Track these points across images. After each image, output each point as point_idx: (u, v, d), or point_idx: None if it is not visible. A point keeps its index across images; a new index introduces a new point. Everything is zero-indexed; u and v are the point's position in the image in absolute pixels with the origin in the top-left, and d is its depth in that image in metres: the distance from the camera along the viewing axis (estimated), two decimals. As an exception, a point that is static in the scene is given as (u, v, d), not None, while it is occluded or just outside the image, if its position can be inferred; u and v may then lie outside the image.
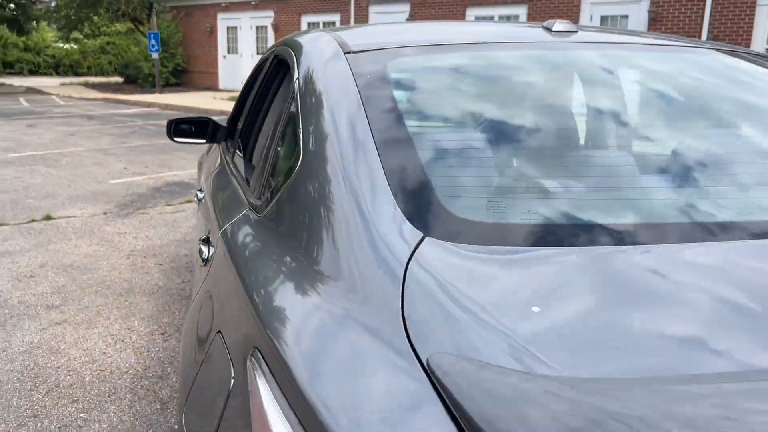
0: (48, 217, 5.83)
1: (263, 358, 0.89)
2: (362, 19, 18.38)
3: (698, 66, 1.60)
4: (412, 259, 0.87)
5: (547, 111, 1.42)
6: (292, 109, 1.43)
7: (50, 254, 4.79)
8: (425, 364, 0.71)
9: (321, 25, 19.69)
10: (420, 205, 0.98)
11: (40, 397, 2.83)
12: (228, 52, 22.57)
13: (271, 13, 20.78)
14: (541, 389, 0.63)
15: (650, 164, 1.28)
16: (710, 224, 1.02)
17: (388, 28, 1.84)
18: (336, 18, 19.06)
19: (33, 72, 35.96)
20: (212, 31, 22.69)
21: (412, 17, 17.19)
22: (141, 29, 23.57)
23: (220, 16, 22.43)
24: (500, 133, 1.29)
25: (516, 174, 1.15)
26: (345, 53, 1.46)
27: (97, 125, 13.30)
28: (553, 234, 0.97)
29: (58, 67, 37.13)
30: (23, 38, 33.51)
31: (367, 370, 0.76)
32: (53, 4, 25.08)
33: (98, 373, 3.04)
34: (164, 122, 13.27)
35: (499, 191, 1.10)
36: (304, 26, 20.02)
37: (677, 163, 1.24)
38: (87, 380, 2.98)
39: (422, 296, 0.81)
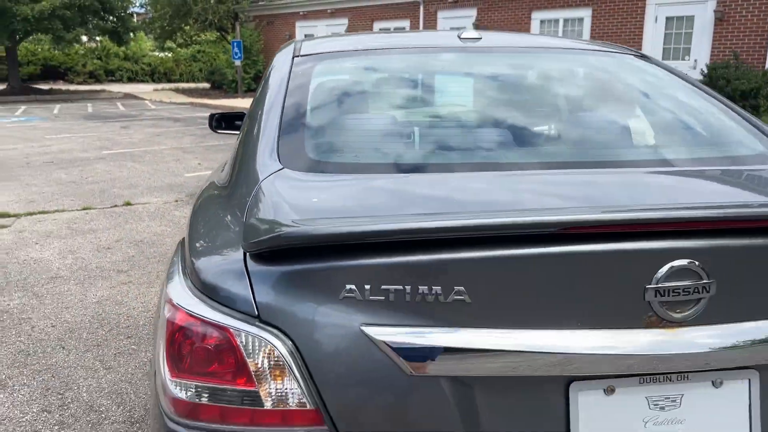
0: (128, 203, 6.75)
1: (181, 245, 1.50)
2: (431, 23, 18.93)
3: (549, 64, 2.09)
4: (267, 178, 1.44)
5: (409, 97, 1.96)
6: (257, 94, 2.03)
7: (126, 232, 5.64)
8: (245, 223, 1.26)
9: (392, 30, 20.38)
10: (290, 152, 1.55)
11: (103, 333, 3.58)
12: (305, 58, 23.64)
13: (345, 21, 21.69)
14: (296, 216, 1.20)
15: (461, 128, 1.82)
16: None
17: (342, 40, 2.41)
18: (406, 23, 19.71)
19: (131, 79, 38.68)
20: (291, 39, 23.87)
21: (479, 21, 17.59)
22: (227, 38, 25.06)
23: (298, 24, 23.60)
24: (361, 111, 1.85)
25: (356, 137, 1.70)
26: (293, 57, 2.05)
27: (181, 127, 14.52)
28: (356, 168, 1.51)
29: (154, 74, 39.75)
30: (123, 48, 36.13)
31: (224, 228, 1.37)
32: (149, 16, 27.11)
33: (150, 320, 3.77)
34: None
35: (340, 146, 1.65)
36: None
37: (480, 125, 1.78)
38: (140, 324, 3.71)
39: (261, 195, 1.37)
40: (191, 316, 1.14)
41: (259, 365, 1.09)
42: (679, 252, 1.08)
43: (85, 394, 2.91)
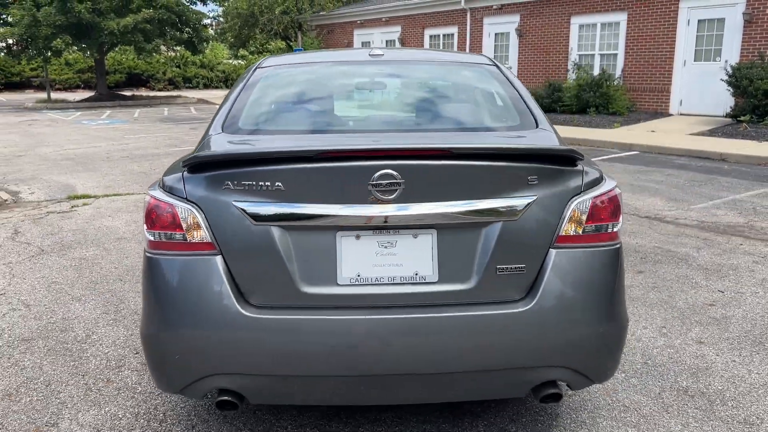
0: (184, 188, 8.16)
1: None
2: (477, 30, 19.87)
3: (412, 71, 3.18)
4: (210, 136, 2.60)
5: (317, 91, 3.08)
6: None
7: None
8: (188, 161, 2.41)
9: (441, 37, 21.44)
10: (228, 123, 2.70)
11: (150, 271, 4.88)
12: (362, 63, 25.05)
13: (398, 28, 22.90)
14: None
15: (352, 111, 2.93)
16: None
17: (294, 56, 3.56)
18: (454, 30, 20.72)
19: (206, 85, 41.27)
20: (349, 46, 25.28)
21: (521, 27, 18.39)
22: (292, 45, 26.76)
23: (355, 32, 24.99)
24: (280, 100, 2.98)
25: (268, 115, 2.83)
26: (256, 68, 3.21)
27: (242, 128, 16.08)
28: (257, 132, 2.64)
29: (227, 80, 42.22)
30: (199, 57, 38.67)
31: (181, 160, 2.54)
32: (220, 28, 29.22)
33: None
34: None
35: (256, 121, 2.78)
36: (426, 39, 21.89)
37: (364, 110, 2.90)
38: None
39: (203, 143, 2.52)
40: (155, 198, 2.31)
41: (187, 222, 2.25)
42: (385, 166, 2.15)
43: (132, 305, 4.19)
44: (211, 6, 32.07)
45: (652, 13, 15.28)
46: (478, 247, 2.24)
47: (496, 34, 19.44)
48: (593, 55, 16.85)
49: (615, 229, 2.35)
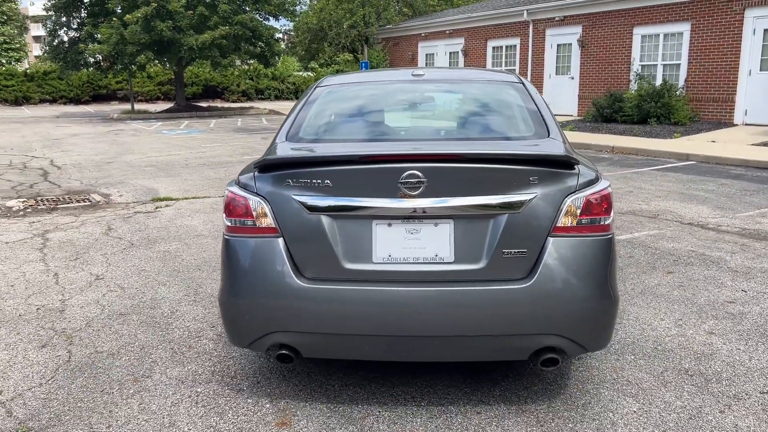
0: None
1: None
2: (539, 41, 20.11)
3: (450, 88, 3.69)
4: (276, 143, 3.19)
5: (365, 107, 3.63)
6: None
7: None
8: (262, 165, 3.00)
9: (503, 48, 21.77)
10: (291, 133, 3.28)
11: (224, 262, 5.57)
12: (426, 75, 25.64)
13: (461, 41, 23.38)
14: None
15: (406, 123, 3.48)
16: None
17: (348, 76, 4.13)
18: (516, 42, 21.02)
19: (278, 97, 42.86)
20: (413, 58, 25.95)
21: (583, 38, 18.52)
22: (358, 58, 27.66)
23: (420, 44, 25.61)
24: (337, 114, 3.54)
25: (326, 126, 3.39)
26: (316, 87, 3.80)
27: (309, 138, 16.91)
28: (318, 140, 3.22)
29: (297, 92, 43.70)
30: (271, 69, 40.23)
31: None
32: (291, 42, 30.44)
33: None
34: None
35: (316, 131, 3.35)
36: (489, 51, 22.27)
37: (416, 123, 3.44)
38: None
39: (271, 149, 3.10)
40: (233, 193, 2.92)
41: (257, 211, 2.84)
42: (411, 168, 2.68)
43: (209, 289, 4.87)
44: (283, 21, 33.44)
45: (716, 23, 15.19)
46: (487, 235, 2.74)
47: (558, 45, 19.63)
48: (656, 66, 16.84)
49: (606, 222, 2.80)
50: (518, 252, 2.72)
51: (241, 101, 39.86)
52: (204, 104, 32.73)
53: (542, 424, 2.91)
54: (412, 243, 2.77)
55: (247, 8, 26.40)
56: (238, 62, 31.78)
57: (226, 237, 2.95)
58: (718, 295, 4.57)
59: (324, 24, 26.64)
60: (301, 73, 46.79)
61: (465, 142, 3.13)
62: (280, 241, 2.82)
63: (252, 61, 37.03)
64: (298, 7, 27.74)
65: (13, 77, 37.19)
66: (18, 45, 31.84)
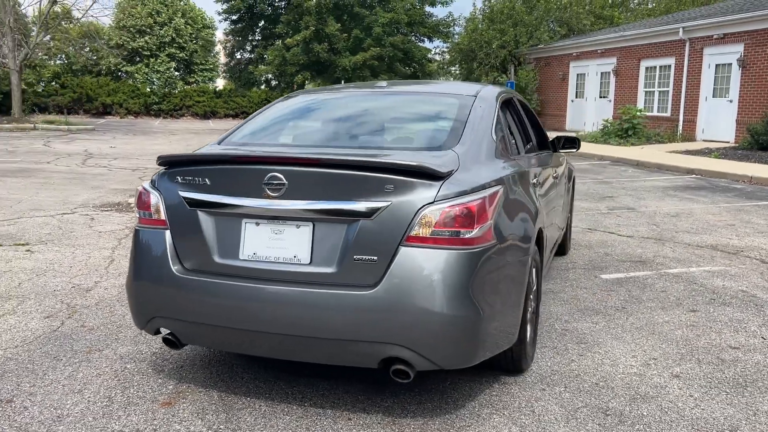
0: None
1: None
2: (696, 61, 18.52)
3: (395, 104, 3.70)
4: (205, 145, 3.46)
5: (306, 117, 3.74)
6: None
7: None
8: None
9: (657, 68, 20.34)
10: (226, 138, 3.51)
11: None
12: (575, 96, 24.70)
13: (613, 60, 22.22)
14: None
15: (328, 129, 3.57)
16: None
17: (322, 88, 4.28)
18: (671, 61, 19.54)
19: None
20: (564, 78, 25.13)
21: (745, 57, 16.76)
22: (502, 79, 27.41)
23: (571, 64, 24.75)
24: (270, 120, 3.70)
25: (257, 131, 3.56)
26: (283, 97, 4.02)
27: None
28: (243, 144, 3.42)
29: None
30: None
31: None
32: (444, 62, 30.94)
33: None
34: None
35: (247, 137, 3.53)
36: (642, 71, 20.95)
37: (334, 130, 3.53)
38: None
39: (196, 151, 3.40)
40: (142, 188, 3.23)
41: (154, 206, 3.11)
42: (273, 170, 2.78)
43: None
44: (436, 42, 34.10)
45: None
46: (341, 240, 2.76)
47: (716, 66, 17.94)
48: (829, 88, 14.75)
49: (468, 236, 2.68)
50: (369, 259, 2.71)
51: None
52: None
53: (401, 438, 2.84)
54: (276, 243, 2.87)
55: (403, 30, 27.38)
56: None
57: (135, 227, 3.25)
58: (725, 340, 4.03)
59: (474, 45, 26.76)
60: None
61: (349, 149, 3.16)
62: (168, 233, 3.07)
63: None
64: (452, 28, 28.21)
65: (205, 94, 41.68)
66: (211, 66, 35.85)
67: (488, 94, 3.74)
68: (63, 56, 34.84)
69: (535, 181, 3.73)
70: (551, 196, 4.36)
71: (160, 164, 3.16)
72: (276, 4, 27.87)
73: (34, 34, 26.42)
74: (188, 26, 33.23)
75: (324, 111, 3.85)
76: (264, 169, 2.82)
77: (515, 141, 4.00)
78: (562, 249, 6.07)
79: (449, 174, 2.77)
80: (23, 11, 29.67)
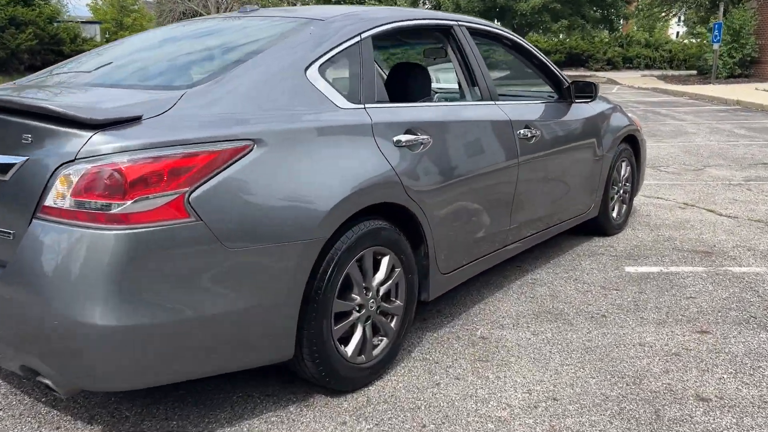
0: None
1: None
2: None
3: (232, 28, 3.00)
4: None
5: (129, 48, 3.12)
6: None
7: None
8: None
9: None
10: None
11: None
12: (804, 38, 20.21)
13: None
14: None
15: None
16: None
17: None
18: None
19: (648, 66, 38.71)
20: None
21: None
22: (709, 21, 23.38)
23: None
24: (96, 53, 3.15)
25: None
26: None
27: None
28: None
29: (672, 61, 38.78)
30: (645, 36, 36.67)
31: None
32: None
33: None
34: (665, 110, 14.00)
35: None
36: None
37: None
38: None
39: None
40: None
41: None
42: None
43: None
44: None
45: None
46: None
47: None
48: None
49: (116, 210, 1.95)
50: (4, 232, 2.12)
51: (605, 70, 37.36)
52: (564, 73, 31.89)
53: None
54: None
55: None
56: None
57: None
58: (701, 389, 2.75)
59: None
60: (683, 40, 41.48)
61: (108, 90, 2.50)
62: None
63: (621, 25, 34.21)
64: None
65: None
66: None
67: (343, 19, 2.82)
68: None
69: (407, 141, 2.78)
70: (503, 172, 3.36)
71: None
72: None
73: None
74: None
75: (154, 41, 3.20)
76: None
77: (405, 87, 3.05)
78: (602, 229, 4.83)
79: (131, 121, 2.03)
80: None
